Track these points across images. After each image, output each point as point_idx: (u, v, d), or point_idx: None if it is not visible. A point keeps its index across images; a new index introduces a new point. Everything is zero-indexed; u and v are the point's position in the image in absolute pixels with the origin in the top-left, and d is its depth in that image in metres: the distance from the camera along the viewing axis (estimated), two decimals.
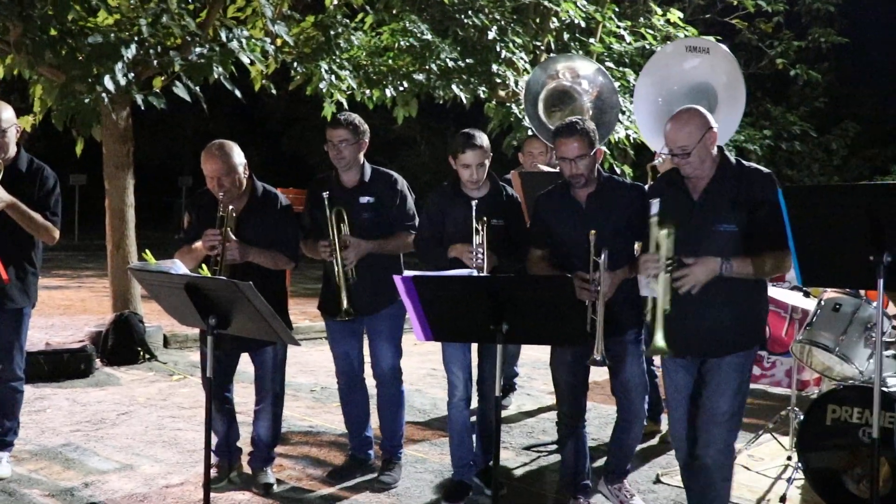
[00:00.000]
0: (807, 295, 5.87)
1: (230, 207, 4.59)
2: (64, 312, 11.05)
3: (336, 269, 4.84)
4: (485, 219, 4.55)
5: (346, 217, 4.87)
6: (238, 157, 4.76)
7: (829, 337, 5.03)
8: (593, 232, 4.16)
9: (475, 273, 3.95)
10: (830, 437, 4.77)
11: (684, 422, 4.21)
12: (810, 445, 4.86)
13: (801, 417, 5.05)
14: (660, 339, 3.79)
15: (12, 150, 4.99)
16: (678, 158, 3.92)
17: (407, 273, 3.56)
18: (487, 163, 4.76)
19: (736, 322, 3.97)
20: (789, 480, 5.07)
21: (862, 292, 5.07)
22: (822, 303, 5.19)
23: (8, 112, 4.98)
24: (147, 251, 3.94)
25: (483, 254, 4.52)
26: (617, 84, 11.89)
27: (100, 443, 5.77)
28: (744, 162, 4.05)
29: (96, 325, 8.66)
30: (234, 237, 4.57)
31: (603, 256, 4.14)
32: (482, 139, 4.71)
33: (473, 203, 4.61)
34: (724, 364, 4.00)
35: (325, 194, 4.85)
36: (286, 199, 4.99)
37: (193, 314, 3.73)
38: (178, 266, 3.86)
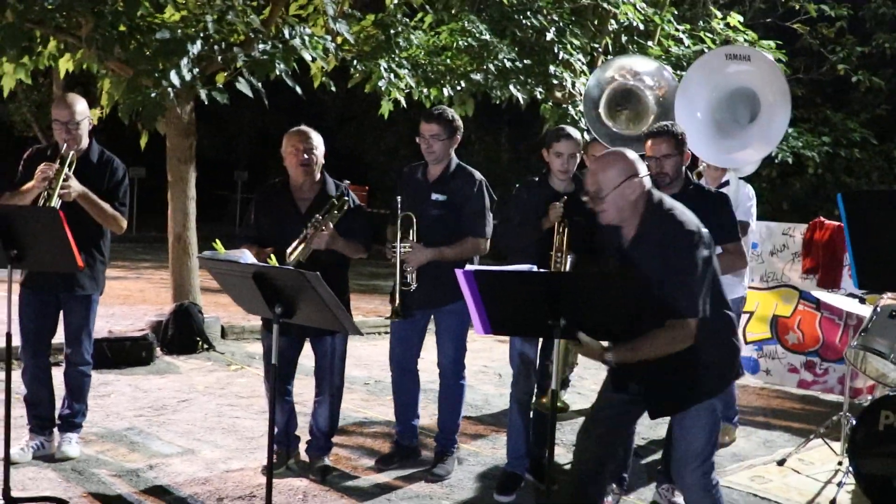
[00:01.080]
0: (862, 302, 5.85)
1: (342, 193, 4.93)
2: (124, 302, 11.30)
3: (396, 271, 5.02)
4: (566, 219, 4.76)
5: (414, 222, 5.03)
6: (321, 141, 5.05)
7: (884, 343, 5.02)
8: None
9: (534, 269, 4.03)
10: (883, 443, 4.77)
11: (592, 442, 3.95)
12: (862, 451, 4.86)
13: (853, 423, 5.05)
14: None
15: (85, 142, 5.17)
16: (593, 202, 3.70)
17: (468, 267, 3.64)
18: (578, 158, 5.04)
19: (678, 382, 3.70)
20: (840, 485, 5.08)
21: None
22: (879, 309, 5.18)
23: (82, 104, 5.17)
24: (217, 241, 4.06)
25: (563, 255, 4.69)
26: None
27: (162, 427, 5.94)
28: (669, 211, 3.69)
29: (156, 314, 8.87)
30: (331, 226, 4.81)
31: None
32: (576, 133, 5.04)
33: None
34: (687, 416, 3.74)
35: (399, 199, 5.04)
36: (356, 197, 5.15)
37: (260, 303, 3.84)
38: (247, 256, 3.99)
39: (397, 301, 5.02)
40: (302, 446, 5.35)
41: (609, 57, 11.28)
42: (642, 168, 3.71)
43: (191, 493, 4.79)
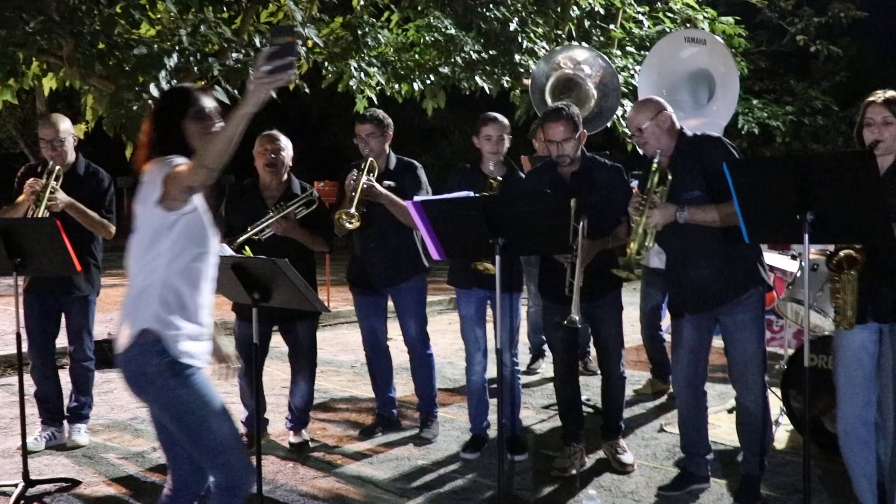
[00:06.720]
0: (794, 258, 6.26)
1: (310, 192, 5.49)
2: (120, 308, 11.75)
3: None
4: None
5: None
6: (289, 144, 5.56)
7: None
8: (574, 200, 4.62)
9: (471, 194, 4.52)
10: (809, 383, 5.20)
11: (685, 372, 4.71)
12: (792, 391, 5.36)
13: (784, 366, 5.53)
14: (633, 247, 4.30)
15: (71, 157, 5.63)
16: (636, 139, 4.47)
17: (416, 198, 4.17)
18: (507, 140, 5.33)
19: (722, 272, 4.42)
20: (776, 423, 5.58)
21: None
22: (803, 264, 5.62)
23: (65, 123, 5.64)
24: None
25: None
26: (639, 67, 12.35)
27: None
28: (698, 133, 4.54)
29: None
30: (293, 216, 5.39)
31: (582, 224, 4.64)
32: (501, 117, 5.33)
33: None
34: (733, 314, 4.47)
35: (354, 172, 5.45)
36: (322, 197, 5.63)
37: (240, 290, 4.32)
38: (226, 249, 4.47)
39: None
40: (282, 423, 5.82)
41: (573, 42, 11.73)
42: (668, 105, 4.51)
43: None
